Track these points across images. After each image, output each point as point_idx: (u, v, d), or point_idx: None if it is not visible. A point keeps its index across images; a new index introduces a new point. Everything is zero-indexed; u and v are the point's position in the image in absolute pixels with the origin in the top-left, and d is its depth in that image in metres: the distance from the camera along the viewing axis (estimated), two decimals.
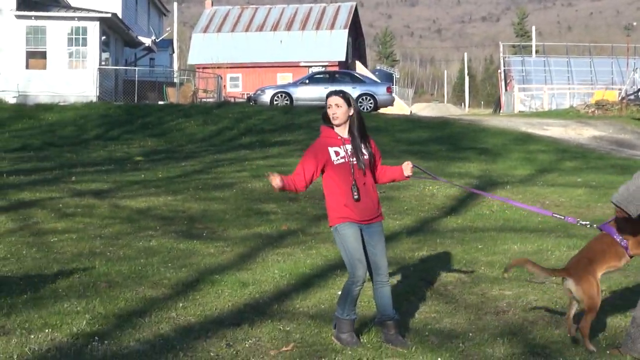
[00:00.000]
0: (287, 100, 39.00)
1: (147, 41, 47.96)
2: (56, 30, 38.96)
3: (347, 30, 70.48)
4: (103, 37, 40.13)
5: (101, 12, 39.94)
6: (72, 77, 38.76)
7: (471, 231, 13.72)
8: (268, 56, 69.00)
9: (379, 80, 52.76)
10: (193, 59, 70.29)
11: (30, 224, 13.67)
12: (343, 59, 68.19)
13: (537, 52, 73.85)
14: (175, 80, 47.43)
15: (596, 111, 43.38)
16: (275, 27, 72.10)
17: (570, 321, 7.54)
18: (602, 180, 19.98)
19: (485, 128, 32.65)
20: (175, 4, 64.12)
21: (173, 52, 62.48)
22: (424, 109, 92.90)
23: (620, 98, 47.11)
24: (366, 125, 7.65)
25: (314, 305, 8.84)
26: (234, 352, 7.24)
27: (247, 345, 7.44)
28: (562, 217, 8.16)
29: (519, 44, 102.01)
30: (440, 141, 28.55)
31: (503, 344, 7.46)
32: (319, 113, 31.53)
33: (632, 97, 46.29)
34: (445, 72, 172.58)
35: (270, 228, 13.88)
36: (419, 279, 10.07)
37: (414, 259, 11.36)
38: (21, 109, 35.09)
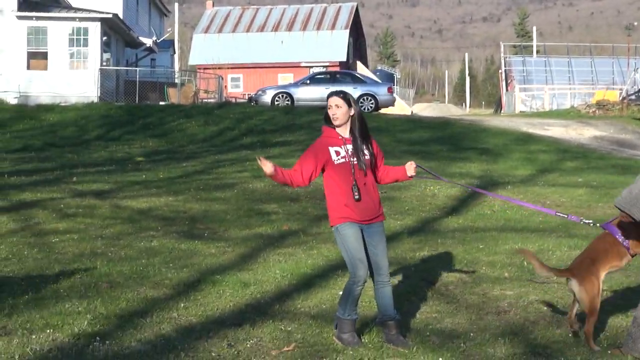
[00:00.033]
0: (288, 100, 39.01)
1: (148, 42, 47.95)
2: (57, 31, 38.96)
3: (348, 31, 70.45)
4: (104, 38, 40.13)
5: (102, 12, 39.93)
6: (73, 78, 38.76)
7: (472, 231, 13.72)
8: (269, 57, 68.97)
9: (380, 81, 52.78)
10: (194, 59, 70.25)
11: (31, 225, 13.68)
12: (344, 59, 68.17)
13: (538, 52, 73.85)
14: (177, 80, 47.44)
15: (597, 111, 43.39)
16: (276, 28, 72.08)
17: (572, 320, 7.56)
18: (603, 180, 20.00)
19: (486, 128, 32.65)
20: (176, 4, 64.16)
21: (174, 52, 62.49)
22: (425, 109, 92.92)
23: (621, 98, 47.13)
24: (367, 125, 7.66)
25: (315, 305, 8.84)
26: (236, 353, 7.24)
27: (248, 345, 7.44)
28: (566, 216, 8.16)
29: (519, 44, 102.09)
30: (441, 141, 28.56)
31: (504, 344, 7.46)
32: (320, 113, 31.62)
33: (633, 97, 46.29)
34: (446, 72, 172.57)
35: (272, 228, 13.89)
36: (420, 279, 10.07)
37: (415, 259, 11.37)
38: (22, 110, 35.11)
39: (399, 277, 10.04)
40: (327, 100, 7.56)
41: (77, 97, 37.85)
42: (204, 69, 58.87)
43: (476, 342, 7.54)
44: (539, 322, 8.19)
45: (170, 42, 62.38)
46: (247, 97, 50.44)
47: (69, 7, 41.83)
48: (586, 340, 7.33)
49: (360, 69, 71.72)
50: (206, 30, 72.90)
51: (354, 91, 36.01)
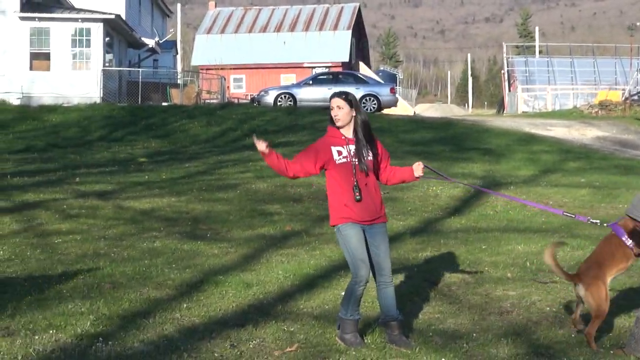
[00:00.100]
0: (290, 101, 39.02)
1: (150, 42, 47.94)
2: (60, 32, 38.97)
3: (350, 31, 70.45)
4: (107, 39, 40.15)
5: (105, 13, 39.94)
6: (76, 79, 38.77)
7: (475, 231, 13.72)
8: (271, 57, 68.98)
9: (382, 81, 52.84)
10: (196, 60, 70.23)
11: (34, 225, 13.68)
12: (346, 59, 68.17)
13: (540, 52, 73.82)
14: (179, 81, 47.44)
15: (600, 111, 43.35)
16: (278, 28, 72.07)
17: (577, 320, 7.57)
18: (605, 181, 19.99)
19: (488, 128, 32.64)
20: (179, 5, 64.25)
21: (176, 53, 62.51)
22: (428, 110, 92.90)
23: (623, 98, 47.10)
24: (371, 127, 7.66)
25: (318, 305, 8.84)
26: (238, 353, 7.24)
27: (251, 345, 7.45)
28: (573, 216, 8.18)
29: (522, 44, 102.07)
30: (443, 142, 28.55)
31: (507, 344, 7.46)
32: (322, 114, 31.67)
33: (635, 97, 46.29)
34: (449, 72, 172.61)
35: (274, 229, 13.89)
36: (422, 279, 10.07)
37: (417, 260, 11.36)
38: (25, 111, 35.13)
39: (401, 278, 10.04)
40: (329, 102, 7.58)
41: (79, 97, 37.87)
42: (207, 69, 58.86)
43: (479, 342, 7.54)
44: (542, 323, 8.19)
45: (173, 43, 62.39)
46: (249, 98, 50.45)
47: (71, 8, 41.86)
48: (587, 342, 7.34)
49: (363, 69, 71.75)
50: (209, 31, 72.90)
51: (357, 92, 36.02)
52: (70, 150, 26.08)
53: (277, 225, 14.15)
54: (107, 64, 40.31)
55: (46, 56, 39.08)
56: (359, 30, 76.80)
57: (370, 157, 7.49)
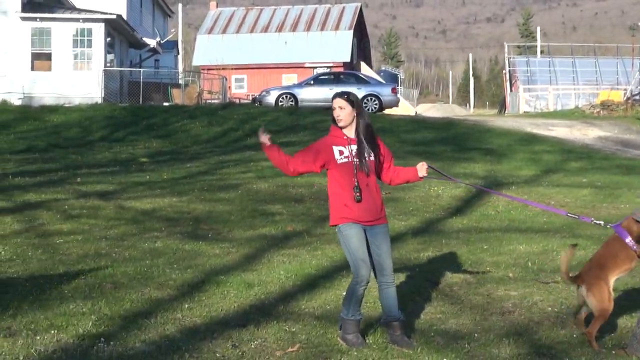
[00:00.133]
0: (292, 101, 39.03)
1: (152, 42, 47.95)
2: (61, 32, 38.97)
3: (352, 31, 70.44)
4: (108, 39, 40.15)
5: (106, 13, 39.94)
6: (77, 79, 38.78)
7: (476, 232, 13.71)
8: (273, 57, 68.97)
9: (384, 81, 52.73)
10: (198, 60, 70.20)
11: (35, 226, 13.68)
12: (348, 59, 68.16)
13: (542, 52, 73.85)
14: (180, 81, 47.48)
15: (601, 111, 43.32)
16: (280, 28, 72.08)
17: (580, 322, 7.56)
18: (607, 181, 19.98)
19: (490, 129, 32.64)
20: (180, 5, 64.36)
21: (178, 53, 62.50)
22: (429, 110, 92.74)
23: (625, 98, 47.04)
24: (374, 128, 7.66)
25: (319, 306, 8.84)
26: (240, 353, 7.24)
27: (252, 346, 7.45)
28: (577, 217, 8.18)
29: (523, 44, 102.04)
30: (445, 142, 28.55)
31: (509, 344, 7.46)
32: (324, 114, 31.68)
33: (637, 97, 46.23)
34: (450, 72, 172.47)
35: (276, 229, 13.89)
36: (424, 279, 10.07)
37: (419, 260, 11.36)
38: (26, 111, 35.14)
39: (403, 278, 10.04)
40: (331, 102, 7.59)
41: (81, 98, 37.88)
42: (208, 69, 58.87)
43: (480, 342, 7.54)
44: (544, 323, 8.19)
45: (174, 43, 62.41)
46: (251, 98, 50.43)
47: (72, 8, 41.87)
48: (588, 341, 7.34)
49: (364, 69, 71.72)
50: (210, 31, 72.90)
51: (358, 92, 36.00)
52: (71, 151, 26.09)
53: (279, 226, 14.15)
54: (108, 64, 40.31)
55: (47, 56, 39.07)
56: (360, 30, 76.81)
57: (372, 158, 7.49)
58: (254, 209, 15.63)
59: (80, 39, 39.13)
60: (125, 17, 43.64)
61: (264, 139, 7.47)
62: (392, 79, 79.23)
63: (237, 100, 49.93)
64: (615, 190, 18.42)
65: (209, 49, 69.70)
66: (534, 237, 12.98)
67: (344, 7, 75.16)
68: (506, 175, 20.94)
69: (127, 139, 29.75)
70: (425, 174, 7.65)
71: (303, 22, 72.57)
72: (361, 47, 78.21)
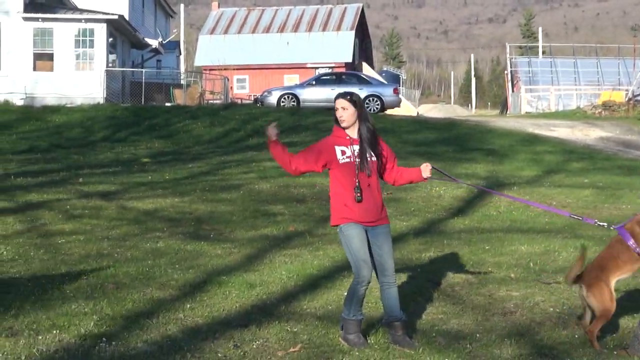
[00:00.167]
0: (294, 101, 39.03)
1: (154, 43, 47.95)
2: (63, 32, 38.98)
3: (353, 32, 70.43)
4: (110, 39, 40.16)
5: (108, 13, 39.95)
6: (79, 79, 38.79)
7: (478, 232, 13.71)
8: (275, 58, 68.95)
9: (385, 82, 52.71)
10: (200, 60, 70.21)
11: (37, 226, 13.69)
12: (350, 60, 68.15)
13: (543, 53, 73.82)
14: (182, 81, 47.49)
15: (603, 112, 43.31)
16: (281, 29, 72.07)
17: (585, 325, 7.55)
18: (609, 181, 19.98)
19: (492, 129, 32.64)
20: (182, 5, 64.24)
21: (180, 53, 62.52)
22: (431, 110, 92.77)
23: (627, 99, 47.03)
24: (375, 129, 7.67)
25: (321, 306, 8.85)
26: (242, 353, 7.25)
27: (254, 346, 7.45)
28: (581, 218, 8.18)
29: (525, 45, 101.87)
30: (447, 142, 28.55)
31: (510, 344, 7.47)
32: (325, 114, 31.69)
33: (639, 97, 46.21)
34: (452, 73, 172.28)
35: (277, 229, 13.89)
36: (426, 280, 10.07)
37: (421, 260, 11.37)
38: (28, 111, 35.15)
39: (404, 278, 10.05)
40: (334, 102, 7.60)
41: (83, 98, 37.89)
42: (210, 70, 58.86)
43: (482, 343, 7.55)
44: (545, 323, 8.20)
45: (176, 44, 62.43)
46: (252, 98, 50.44)
47: (74, 9, 41.88)
48: (589, 340, 7.35)
49: (366, 70, 71.69)
50: (212, 32, 72.89)
51: (360, 92, 35.95)
52: (73, 151, 26.09)
53: (281, 226, 14.16)
54: (110, 65, 40.32)
55: (49, 57, 39.07)
56: (362, 30, 76.81)
57: (374, 158, 7.50)
58: (255, 210, 15.63)
59: (82, 39, 39.13)
60: (127, 17, 43.65)
61: (272, 133, 7.47)
62: (394, 80, 79.24)
63: (239, 101, 49.96)
64: (616, 190, 18.42)
65: (211, 50, 69.70)
66: (536, 237, 12.97)
67: (345, 8, 75.14)
68: (508, 176, 20.94)
69: (129, 140, 29.76)
70: (429, 175, 7.64)
71: (305, 23, 72.56)
72: (363, 47, 78.19)
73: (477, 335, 7.79)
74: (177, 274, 10.32)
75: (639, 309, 8.36)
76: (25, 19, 38.46)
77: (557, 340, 7.64)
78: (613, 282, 7.42)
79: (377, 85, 40.45)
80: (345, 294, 7.75)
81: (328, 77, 41.32)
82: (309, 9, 76.81)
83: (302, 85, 41.07)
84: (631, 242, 7.40)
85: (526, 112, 54.30)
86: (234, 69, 61.30)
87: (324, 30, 70.94)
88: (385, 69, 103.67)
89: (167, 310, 8.56)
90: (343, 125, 7.52)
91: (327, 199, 10.90)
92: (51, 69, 38.89)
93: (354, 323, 7.45)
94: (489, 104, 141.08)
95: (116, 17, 39.56)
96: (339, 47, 69.01)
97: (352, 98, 7.54)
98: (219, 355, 7.20)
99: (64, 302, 8.78)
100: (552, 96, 56.36)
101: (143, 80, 41.07)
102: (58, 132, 31.08)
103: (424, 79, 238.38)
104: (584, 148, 28.88)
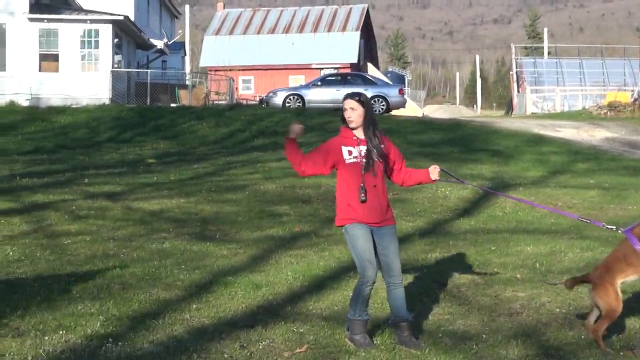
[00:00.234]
0: (299, 102, 39.02)
1: (159, 44, 47.99)
2: (69, 33, 39.01)
3: (359, 32, 70.43)
4: (115, 40, 40.18)
5: (113, 14, 39.97)
6: (85, 80, 38.82)
7: (484, 233, 13.70)
8: (280, 58, 68.96)
9: (391, 82, 52.75)
10: (205, 61, 70.22)
11: (43, 226, 13.70)
12: (355, 61, 68.16)
13: (549, 53, 73.75)
14: (188, 82, 47.47)
15: (608, 113, 43.26)
16: (287, 30, 72.10)
17: (589, 325, 7.55)
18: (614, 182, 19.95)
19: (497, 130, 32.60)
20: (187, 6, 64.34)
21: (185, 54, 62.55)
22: (436, 111, 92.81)
23: (632, 99, 46.99)
24: (378, 127, 7.68)
25: (327, 307, 8.85)
26: (248, 354, 7.25)
27: (260, 346, 7.46)
28: (589, 221, 8.19)
29: (530, 45, 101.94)
30: (452, 143, 28.52)
31: (517, 345, 7.46)
32: (331, 115, 31.68)
33: None
34: (457, 74, 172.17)
35: (283, 230, 13.89)
36: (432, 280, 10.07)
37: (427, 261, 11.36)
38: (34, 112, 35.18)
39: (410, 279, 10.04)
40: (342, 103, 7.61)
41: (88, 99, 37.91)
42: (215, 70, 58.86)
43: (488, 343, 7.54)
44: (552, 324, 8.19)
45: (181, 44, 62.45)
46: (258, 99, 50.44)
47: (80, 9, 41.93)
48: (594, 340, 7.34)
49: (371, 70, 71.72)
50: (217, 32, 72.92)
51: (365, 93, 35.80)
52: (79, 152, 26.11)
53: (286, 227, 14.15)
54: (115, 65, 40.34)
55: (55, 57, 39.10)
56: (367, 31, 76.79)
57: (381, 159, 7.50)
58: (261, 210, 15.63)
59: (87, 40, 39.16)
60: (132, 18, 43.70)
61: (295, 131, 7.45)
62: (399, 80, 79.22)
63: (244, 102, 49.97)
64: (622, 191, 18.39)
65: (216, 50, 69.72)
66: (542, 238, 12.96)
67: (350, 9, 75.15)
68: (513, 177, 20.92)
69: (134, 140, 29.77)
70: (438, 178, 7.64)
71: (310, 23, 72.57)
72: (368, 48, 78.18)
73: (484, 336, 7.78)
74: (183, 274, 10.33)
75: None
76: (31, 19, 38.51)
77: (563, 341, 7.63)
78: (619, 284, 7.42)
79: (382, 86, 40.47)
80: (351, 294, 7.75)
81: (333, 78, 41.34)
82: (314, 10, 76.87)
83: (307, 86, 41.08)
84: (638, 246, 7.39)
85: (532, 113, 54.30)
86: (239, 70, 61.33)
87: (329, 31, 70.95)
88: (390, 69, 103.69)
89: (173, 310, 8.57)
90: (351, 125, 7.52)
91: (332, 200, 10.91)
92: (56, 70, 38.94)
93: (359, 323, 7.45)
94: (495, 104, 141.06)
95: (121, 17, 39.58)
96: (344, 48, 69.02)
97: (360, 99, 7.55)
98: (226, 355, 7.20)
99: (70, 302, 8.79)
100: (558, 97, 56.32)
101: (148, 81, 41.07)
102: (63, 132, 31.10)
103: (429, 79, 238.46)
104: (590, 149, 28.83)
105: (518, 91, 64.59)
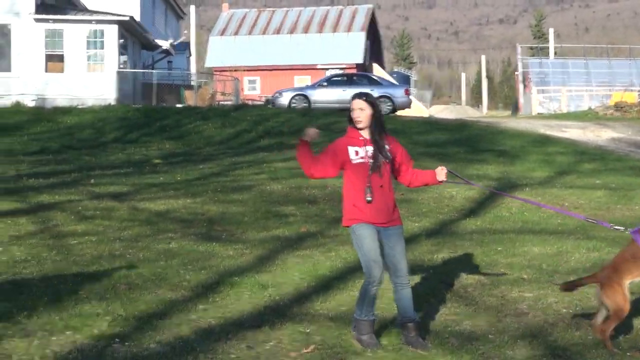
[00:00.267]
0: (305, 102, 39.04)
1: (164, 44, 48.06)
2: (74, 34, 39.07)
3: (364, 33, 70.45)
4: (121, 40, 40.23)
5: (119, 15, 40.03)
6: (91, 80, 38.88)
7: (490, 233, 13.69)
8: (285, 59, 68.99)
9: (396, 83, 52.73)
10: (210, 61, 70.31)
11: (50, 227, 13.70)
12: (361, 61, 68.17)
13: (555, 53, 73.66)
14: (193, 83, 47.56)
15: (614, 113, 43.23)
16: (292, 30, 72.13)
17: (595, 325, 7.54)
18: (621, 182, 19.92)
19: (503, 130, 32.57)
20: (193, 7, 64.27)
21: (190, 55, 62.58)
22: (442, 111, 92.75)
23: (639, 100, 46.94)
24: (385, 128, 7.68)
25: (333, 307, 8.85)
26: (255, 354, 7.25)
27: (267, 347, 7.46)
28: (596, 222, 8.19)
29: (536, 45, 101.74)
30: (458, 143, 28.49)
31: (523, 346, 7.46)
32: (337, 115, 31.68)
33: None
34: (463, 74, 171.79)
35: (289, 230, 13.87)
36: (438, 281, 10.07)
37: (433, 261, 11.36)
38: (40, 112, 35.20)
39: (417, 279, 10.03)
40: (350, 103, 7.60)
41: (94, 99, 37.95)
42: (221, 71, 58.96)
43: (495, 344, 7.54)
44: (558, 324, 8.18)
45: (187, 45, 62.48)
46: (263, 100, 50.52)
47: (85, 10, 41.97)
48: (601, 340, 7.34)
49: (377, 70, 71.73)
50: (222, 33, 72.97)
51: (371, 93, 35.95)
52: (84, 152, 26.12)
53: (293, 227, 14.14)
54: (121, 66, 40.39)
55: (60, 58, 39.17)
56: (372, 31, 76.81)
57: (388, 160, 7.50)
58: (267, 210, 15.62)
59: (93, 41, 39.23)
60: (137, 18, 43.74)
61: (310, 135, 7.43)
62: (405, 81, 79.15)
63: (250, 102, 50.01)
64: (629, 191, 18.36)
65: (222, 51, 69.78)
66: (548, 238, 12.95)
67: (356, 9, 75.19)
68: (519, 177, 20.89)
69: (140, 141, 29.78)
70: (445, 179, 7.63)
71: (315, 24, 72.60)
72: (373, 48, 78.18)
73: (490, 336, 7.78)
74: (190, 275, 10.33)
75: None
76: (37, 20, 38.57)
77: (570, 341, 7.63)
78: (627, 284, 7.41)
79: (387, 86, 40.45)
80: (358, 294, 7.75)
81: (339, 78, 41.36)
82: (320, 10, 76.90)
83: (313, 86, 41.09)
84: None
85: (537, 113, 54.28)
86: (244, 70, 61.41)
87: (334, 31, 70.97)
88: (396, 69, 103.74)
89: (179, 311, 8.57)
90: (359, 126, 7.52)
91: (338, 200, 10.91)
92: (62, 70, 39.01)
93: (366, 324, 7.45)
94: (500, 105, 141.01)
95: (127, 18, 39.63)
96: (349, 48, 69.04)
97: (368, 99, 7.55)
98: (232, 356, 7.20)
99: (77, 303, 8.80)
100: (564, 97, 56.29)
101: (154, 82, 41.15)
102: (69, 133, 31.12)
103: (435, 80, 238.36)
104: (596, 149, 28.79)
105: (524, 91, 64.59)
